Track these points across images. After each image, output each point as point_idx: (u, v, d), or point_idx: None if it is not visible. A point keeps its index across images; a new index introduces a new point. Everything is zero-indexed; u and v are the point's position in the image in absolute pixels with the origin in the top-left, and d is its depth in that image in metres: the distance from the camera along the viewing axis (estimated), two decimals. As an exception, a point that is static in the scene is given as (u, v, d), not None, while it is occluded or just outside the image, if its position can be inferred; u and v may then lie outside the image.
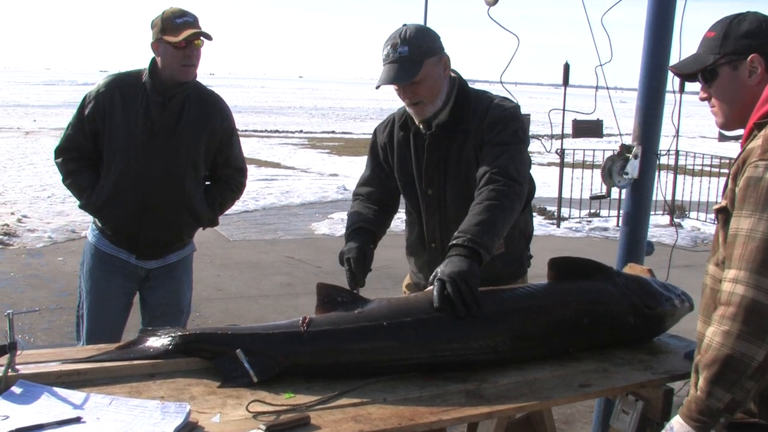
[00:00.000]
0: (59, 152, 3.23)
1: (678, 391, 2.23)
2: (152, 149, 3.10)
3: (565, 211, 10.54)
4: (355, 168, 15.37)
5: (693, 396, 1.72)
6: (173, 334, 2.16)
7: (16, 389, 1.85)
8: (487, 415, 1.99)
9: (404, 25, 2.56)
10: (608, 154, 3.61)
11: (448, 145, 2.62)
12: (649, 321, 2.44)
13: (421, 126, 2.66)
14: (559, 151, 9.94)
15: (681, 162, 11.11)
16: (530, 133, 2.94)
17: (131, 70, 3.23)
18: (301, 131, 26.53)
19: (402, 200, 2.86)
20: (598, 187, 4.48)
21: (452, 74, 2.65)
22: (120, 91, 3.12)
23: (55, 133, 20.72)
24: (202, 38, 3.05)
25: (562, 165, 10.20)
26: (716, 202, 1.86)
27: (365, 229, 2.69)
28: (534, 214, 2.91)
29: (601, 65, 3.60)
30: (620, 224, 3.90)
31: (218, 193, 3.36)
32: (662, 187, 3.85)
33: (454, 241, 2.30)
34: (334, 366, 2.10)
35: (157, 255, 3.26)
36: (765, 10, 1.88)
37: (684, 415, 1.74)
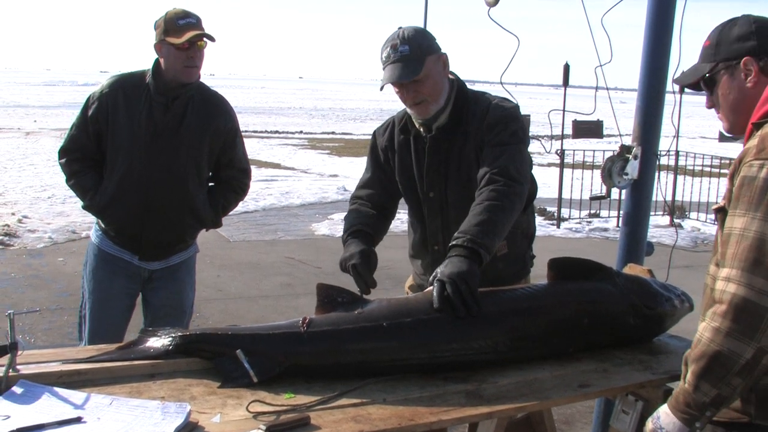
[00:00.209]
0: (63, 153, 3.23)
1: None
2: (155, 150, 3.10)
3: (565, 212, 10.54)
4: (355, 169, 15.37)
5: (681, 388, 1.75)
6: (173, 335, 2.17)
7: (17, 389, 1.85)
8: (486, 416, 1.99)
9: (400, 27, 2.57)
10: (608, 154, 3.61)
11: (449, 147, 2.62)
12: (649, 321, 2.44)
13: (421, 129, 2.66)
14: (559, 151, 9.95)
15: (681, 162, 11.11)
16: (530, 134, 2.94)
17: (135, 71, 3.24)
18: (301, 132, 26.54)
19: (403, 203, 2.86)
20: (598, 187, 4.48)
21: (451, 76, 2.66)
22: (123, 92, 3.12)
23: (56, 134, 20.73)
24: (205, 39, 3.05)
25: (562, 165, 10.21)
26: (716, 203, 1.87)
27: (363, 232, 2.65)
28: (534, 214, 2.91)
29: (601, 66, 3.61)
30: (620, 225, 3.91)
31: (221, 195, 3.36)
32: (662, 187, 3.85)
33: (454, 242, 2.31)
34: (334, 366, 2.10)
35: (160, 256, 3.26)
36: (762, 10, 1.89)
37: (671, 406, 1.77)
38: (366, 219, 2.72)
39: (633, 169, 3.46)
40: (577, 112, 4.74)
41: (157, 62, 3.12)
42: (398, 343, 2.14)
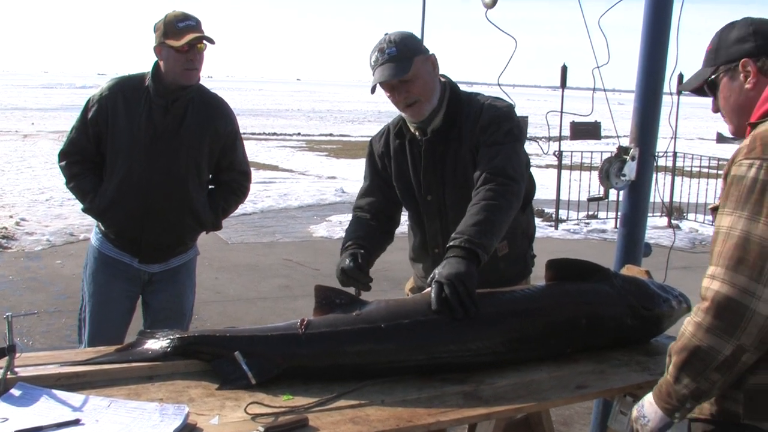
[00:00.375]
0: (63, 155, 3.23)
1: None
2: (155, 153, 3.10)
3: (563, 213, 10.54)
4: (353, 171, 15.37)
5: (664, 378, 1.78)
6: (172, 337, 2.17)
7: (15, 392, 1.85)
8: (485, 417, 1.99)
9: (386, 33, 2.59)
10: (606, 156, 3.62)
11: (444, 150, 2.63)
12: (647, 322, 2.45)
13: (416, 133, 2.67)
14: (556, 153, 9.95)
15: (679, 164, 11.12)
16: (528, 136, 2.94)
17: (134, 73, 3.24)
18: (299, 134, 26.55)
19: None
20: (596, 189, 4.49)
21: (442, 79, 2.66)
22: (123, 94, 3.12)
23: (53, 136, 20.71)
24: (204, 42, 3.05)
25: (560, 167, 10.21)
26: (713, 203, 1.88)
27: (357, 245, 2.65)
28: (532, 215, 2.92)
29: (598, 67, 3.61)
30: (618, 226, 3.91)
31: (222, 197, 3.36)
32: (660, 189, 3.86)
33: (451, 243, 2.31)
34: (332, 368, 2.10)
35: (160, 259, 3.26)
36: (760, 11, 1.90)
37: (655, 395, 1.82)
38: (363, 232, 2.71)
39: (630, 170, 3.47)
40: (575, 114, 4.75)
41: (156, 65, 3.12)
42: (396, 345, 2.14)
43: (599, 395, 2.34)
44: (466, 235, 2.29)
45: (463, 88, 2.74)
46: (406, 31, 2.62)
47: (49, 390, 1.87)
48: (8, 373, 1.91)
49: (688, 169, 11.80)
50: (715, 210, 1.83)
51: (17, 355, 1.94)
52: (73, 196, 3.33)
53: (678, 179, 10.92)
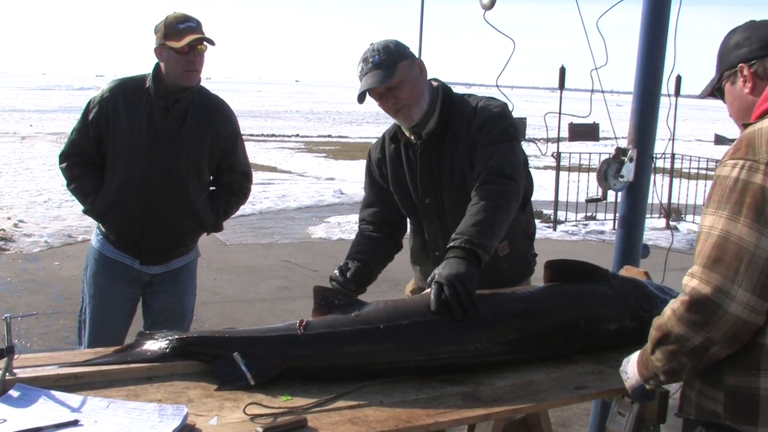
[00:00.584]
0: (64, 157, 3.23)
1: (674, 393, 2.23)
2: (155, 154, 3.10)
3: (561, 215, 10.55)
4: (351, 172, 15.38)
5: (645, 348, 1.90)
6: (170, 338, 2.17)
7: (14, 393, 1.85)
8: (483, 417, 1.99)
9: (371, 43, 2.60)
10: (604, 157, 3.62)
11: (440, 152, 2.63)
12: (645, 323, 2.44)
13: (411, 137, 2.67)
14: (555, 154, 9.96)
15: (677, 165, 11.13)
16: (526, 137, 2.95)
17: (135, 75, 3.23)
18: (297, 135, 26.53)
19: None
20: (594, 190, 4.49)
21: (435, 82, 2.67)
22: (124, 96, 3.12)
23: (52, 138, 20.70)
24: (205, 43, 3.06)
25: (558, 168, 10.21)
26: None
27: (354, 259, 2.66)
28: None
29: (596, 69, 3.61)
30: (616, 227, 3.91)
31: (223, 199, 3.36)
32: (658, 190, 3.86)
33: (451, 243, 2.31)
34: (331, 368, 2.10)
35: (160, 260, 3.26)
36: (758, 13, 1.91)
37: (638, 359, 1.95)
38: (364, 246, 2.72)
39: (629, 171, 3.47)
40: (573, 115, 4.75)
41: (157, 66, 3.12)
42: (395, 346, 2.14)
43: (598, 396, 2.34)
44: (466, 235, 2.29)
45: (461, 89, 2.75)
46: (390, 39, 2.63)
47: (48, 391, 1.87)
48: (7, 374, 1.91)
49: (687, 170, 11.82)
50: None
51: (16, 356, 1.94)
52: (72, 198, 3.33)
53: (676, 181, 10.93)
